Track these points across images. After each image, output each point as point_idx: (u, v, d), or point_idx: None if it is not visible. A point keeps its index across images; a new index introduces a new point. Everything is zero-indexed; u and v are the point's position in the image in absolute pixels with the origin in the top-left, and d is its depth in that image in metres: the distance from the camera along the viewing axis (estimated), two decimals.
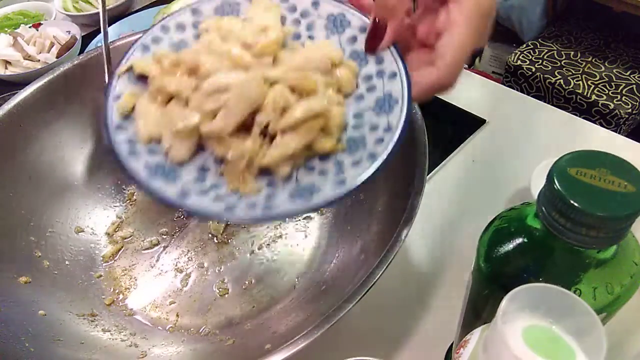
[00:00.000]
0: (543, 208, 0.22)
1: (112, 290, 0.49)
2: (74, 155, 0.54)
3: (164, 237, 0.53)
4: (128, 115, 0.33)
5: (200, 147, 0.32)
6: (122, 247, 0.52)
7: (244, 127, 0.31)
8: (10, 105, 0.49)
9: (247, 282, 0.48)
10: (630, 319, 0.36)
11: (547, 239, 0.23)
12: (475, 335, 0.25)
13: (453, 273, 0.47)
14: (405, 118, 0.30)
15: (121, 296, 0.48)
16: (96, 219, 0.54)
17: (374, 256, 0.35)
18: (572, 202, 0.21)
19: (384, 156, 0.29)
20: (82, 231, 0.52)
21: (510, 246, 0.25)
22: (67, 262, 0.49)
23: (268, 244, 0.51)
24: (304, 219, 0.52)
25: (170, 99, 0.32)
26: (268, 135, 0.31)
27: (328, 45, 0.34)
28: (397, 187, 0.43)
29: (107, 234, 0.53)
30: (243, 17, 0.36)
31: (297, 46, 0.34)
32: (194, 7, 0.36)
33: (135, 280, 0.50)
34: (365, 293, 0.33)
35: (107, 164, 0.55)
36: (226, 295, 0.47)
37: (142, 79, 0.34)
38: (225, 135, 0.30)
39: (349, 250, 0.47)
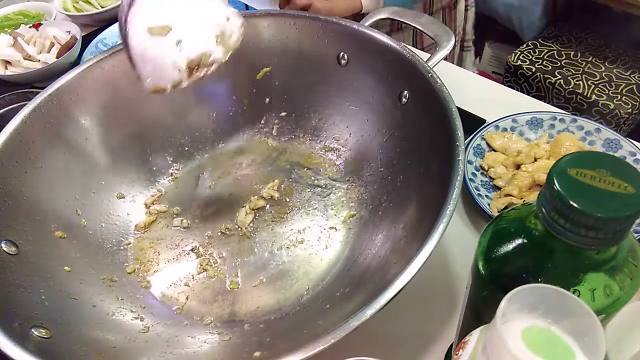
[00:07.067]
0: (543, 209, 0.22)
1: (135, 259, 0.51)
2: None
3: (196, 220, 0.54)
4: None
5: None
6: (155, 219, 0.54)
7: None
8: (52, 90, 0.50)
9: (257, 281, 0.48)
10: (630, 319, 0.36)
11: (546, 240, 0.23)
12: (475, 335, 0.25)
13: (453, 273, 0.47)
14: None
15: (142, 267, 0.50)
16: (138, 189, 0.56)
17: (379, 289, 0.33)
18: (571, 203, 0.20)
19: None
20: (123, 197, 0.55)
21: (510, 247, 0.25)
22: (102, 224, 0.52)
23: (288, 247, 0.50)
24: (330, 228, 0.51)
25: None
26: None
27: None
28: (428, 201, 0.41)
29: (145, 204, 0.56)
30: None
31: None
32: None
33: (159, 254, 0.51)
34: (357, 327, 0.31)
35: (155, 142, 0.57)
36: (235, 290, 0.48)
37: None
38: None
39: (364, 273, 0.45)
